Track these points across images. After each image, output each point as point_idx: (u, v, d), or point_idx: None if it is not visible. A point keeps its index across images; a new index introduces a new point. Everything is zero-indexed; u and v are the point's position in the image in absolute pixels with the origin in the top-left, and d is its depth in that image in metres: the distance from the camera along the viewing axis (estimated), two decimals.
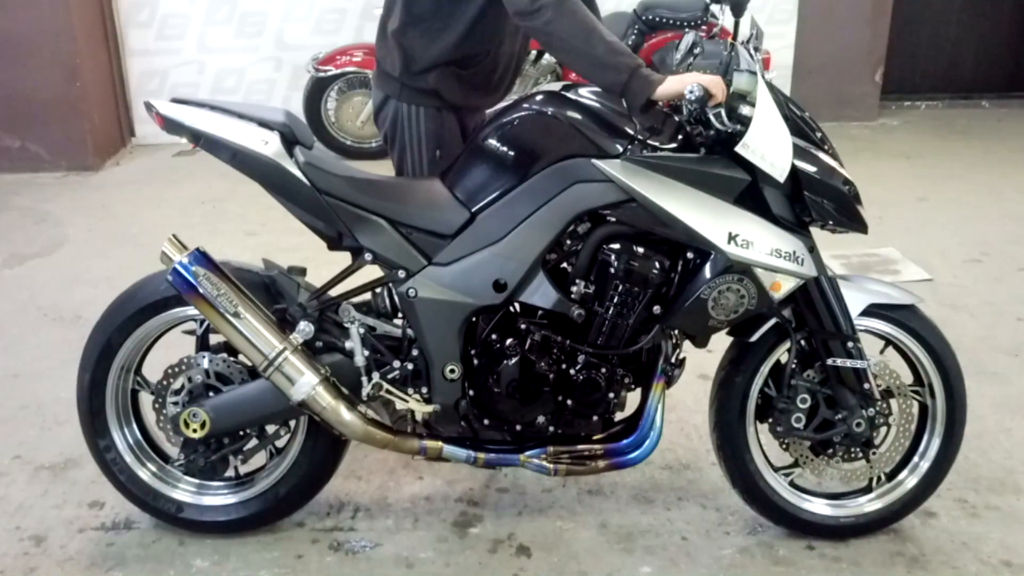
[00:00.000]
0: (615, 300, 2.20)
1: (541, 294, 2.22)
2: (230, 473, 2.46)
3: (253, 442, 2.43)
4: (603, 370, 2.26)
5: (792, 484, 2.46)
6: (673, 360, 2.31)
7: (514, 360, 2.25)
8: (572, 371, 2.26)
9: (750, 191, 2.15)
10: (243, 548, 2.45)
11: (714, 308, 2.17)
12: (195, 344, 2.39)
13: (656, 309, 2.22)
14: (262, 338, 2.20)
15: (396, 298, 2.29)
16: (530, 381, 2.27)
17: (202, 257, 2.21)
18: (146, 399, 2.46)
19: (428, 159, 2.52)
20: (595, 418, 2.32)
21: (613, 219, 2.18)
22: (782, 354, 2.35)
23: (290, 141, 2.22)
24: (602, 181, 2.13)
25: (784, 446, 2.42)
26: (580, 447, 2.35)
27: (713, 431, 2.43)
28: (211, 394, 2.33)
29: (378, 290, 2.35)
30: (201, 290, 2.18)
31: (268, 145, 2.19)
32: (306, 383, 2.21)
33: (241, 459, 2.43)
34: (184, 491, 2.46)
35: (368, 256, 2.24)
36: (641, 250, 2.18)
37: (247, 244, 4.53)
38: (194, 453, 2.36)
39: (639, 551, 2.45)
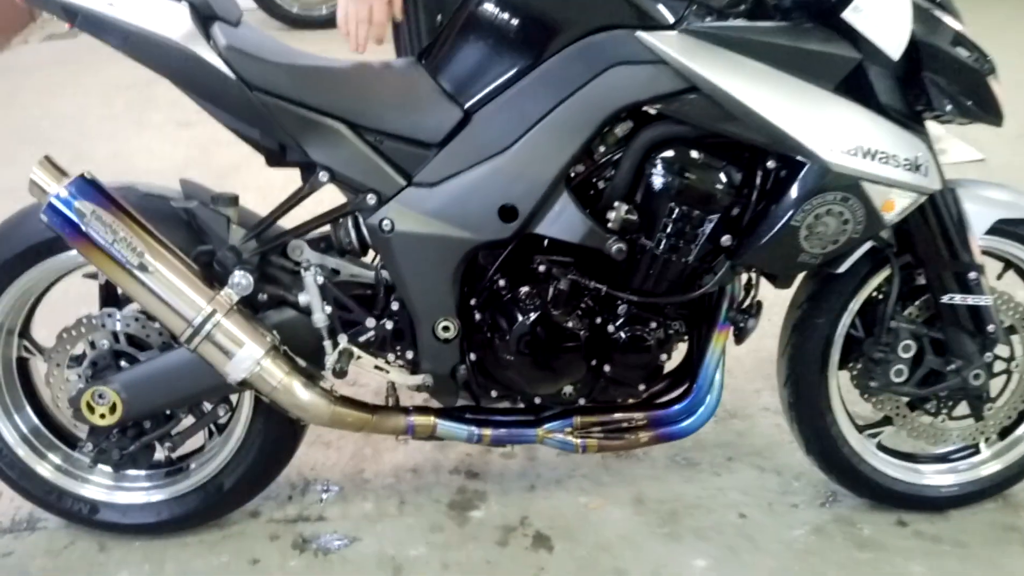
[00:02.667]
0: (669, 229, 1.62)
1: (565, 223, 1.63)
2: (159, 456, 1.90)
3: (186, 421, 1.85)
4: (652, 324, 1.69)
5: (879, 446, 1.95)
6: (744, 306, 1.74)
7: (530, 314, 1.68)
8: (610, 327, 1.70)
9: (852, 75, 1.55)
10: (182, 552, 1.92)
11: (808, 238, 1.59)
12: (99, 296, 1.79)
13: (725, 240, 1.64)
14: (181, 297, 1.60)
15: (366, 232, 1.68)
16: (553, 341, 1.70)
17: (88, 187, 1.58)
18: (39, 367, 1.88)
19: (427, 29, 2.01)
20: (641, 387, 1.77)
21: (666, 116, 1.58)
22: (877, 287, 1.80)
23: (205, 16, 1.61)
24: (650, 63, 1.54)
25: (872, 400, 1.89)
26: (616, 416, 1.81)
27: (784, 386, 1.89)
28: (123, 364, 1.74)
29: (340, 221, 1.73)
30: (89, 232, 1.56)
31: (174, 22, 1.56)
32: (247, 357, 1.62)
33: (169, 446, 1.86)
34: (98, 487, 1.90)
35: (324, 175, 1.64)
36: (704, 159, 1.60)
37: (180, 138, 3.94)
38: (105, 442, 1.78)
39: (688, 536, 1.94)
